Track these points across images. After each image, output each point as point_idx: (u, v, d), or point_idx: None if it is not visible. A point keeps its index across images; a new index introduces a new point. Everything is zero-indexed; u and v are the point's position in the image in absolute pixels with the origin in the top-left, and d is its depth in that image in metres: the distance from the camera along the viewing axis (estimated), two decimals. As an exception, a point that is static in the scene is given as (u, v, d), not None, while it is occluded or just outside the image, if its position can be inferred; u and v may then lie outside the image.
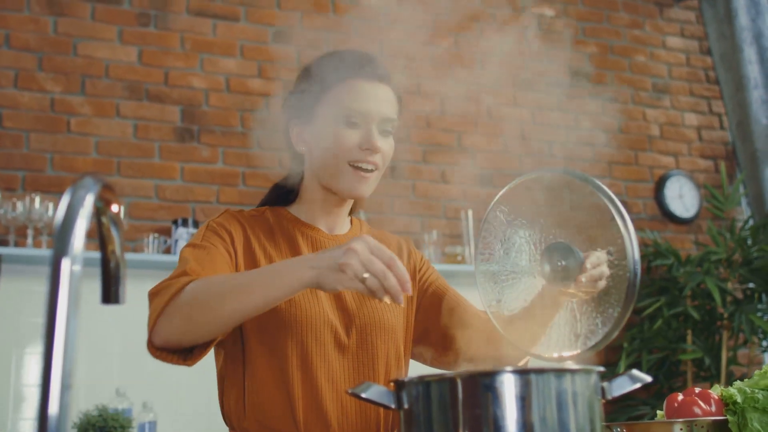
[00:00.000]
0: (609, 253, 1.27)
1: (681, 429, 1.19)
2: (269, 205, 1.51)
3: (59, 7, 3.67)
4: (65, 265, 0.63)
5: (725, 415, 1.24)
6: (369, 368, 1.39)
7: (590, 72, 4.56)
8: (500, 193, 1.35)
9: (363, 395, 1.01)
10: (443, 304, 1.50)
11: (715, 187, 4.59)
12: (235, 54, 3.91)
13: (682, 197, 4.59)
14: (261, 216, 1.46)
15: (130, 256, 3.35)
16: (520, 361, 1.41)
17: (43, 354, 0.62)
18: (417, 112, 4.08)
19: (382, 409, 1.36)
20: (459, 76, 4.08)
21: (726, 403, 1.25)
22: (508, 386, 0.94)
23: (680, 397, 1.30)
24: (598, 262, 1.27)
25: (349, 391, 1.02)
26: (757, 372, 1.29)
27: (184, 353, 1.26)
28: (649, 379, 1.04)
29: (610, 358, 4.03)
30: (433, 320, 1.50)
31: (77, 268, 0.64)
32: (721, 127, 4.86)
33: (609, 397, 1.00)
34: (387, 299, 1.11)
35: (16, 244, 3.28)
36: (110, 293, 0.77)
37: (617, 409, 3.92)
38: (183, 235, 3.44)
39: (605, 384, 1.01)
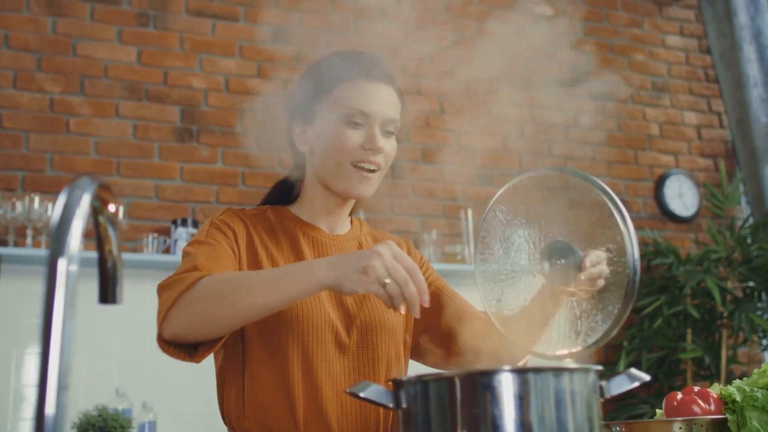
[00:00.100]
0: (608, 250, 1.27)
1: (680, 428, 1.19)
2: (270, 205, 1.51)
3: (58, 8, 3.67)
4: (62, 265, 0.63)
5: (724, 414, 1.24)
6: (369, 368, 1.39)
7: (589, 71, 4.56)
8: (499, 192, 1.35)
9: (361, 395, 1.01)
10: (442, 304, 1.50)
11: (715, 185, 4.59)
12: (234, 54, 3.91)
13: (682, 196, 4.59)
14: (262, 215, 1.47)
15: (129, 256, 3.35)
16: (521, 360, 1.41)
17: (40, 354, 0.62)
18: (417, 112, 4.08)
19: (382, 410, 1.36)
20: (458, 76, 4.08)
21: (725, 402, 1.25)
22: (507, 385, 0.94)
23: (679, 395, 1.30)
24: (597, 261, 1.27)
25: (348, 391, 1.02)
26: (756, 370, 1.29)
27: (189, 349, 1.27)
28: (647, 377, 1.04)
29: (610, 357, 4.04)
30: (432, 320, 1.50)
31: (74, 268, 0.64)
32: (721, 126, 4.86)
33: (607, 396, 1.00)
34: (403, 308, 1.11)
35: (16, 245, 3.29)
36: (108, 293, 0.77)
37: (617, 407, 3.92)
38: (182, 235, 3.44)
39: (603, 383, 1.01)
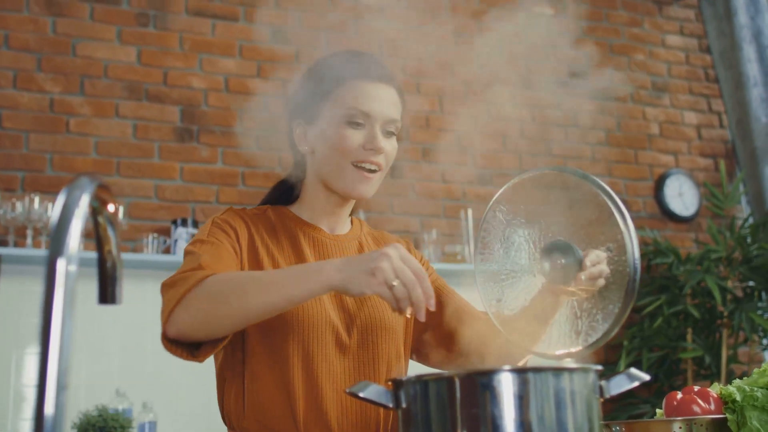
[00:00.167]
0: (608, 249, 1.27)
1: (680, 427, 1.19)
2: (271, 204, 1.51)
3: (58, 8, 3.67)
4: (61, 265, 0.63)
5: (724, 414, 1.23)
6: (370, 368, 1.39)
7: (589, 70, 4.55)
8: (499, 192, 1.35)
9: (361, 394, 1.01)
10: (443, 303, 1.50)
11: (715, 185, 4.59)
12: (234, 54, 3.91)
13: (682, 196, 4.59)
14: (263, 215, 1.47)
15: (129, 256, 3.35)
16: (521, 360, 1.41)
17: (40, 354, 0.62)
18: (417, 112, 4.08)
19: (382, 410, 1.36)
20: (458, 75, 4.08)
21: (725, 402, 1.25)
22: (506, 385, 0.93)
23: (679, 395, 1.30)
24: (597, 260, 1.27)
25: (348, 391, 1.02)
26: (756, 370, 1.29)
27: (192, 348, 1.26)
28: (647, 377, 1.03)
29: (611, 357, 4.04)
30: (433, 320, 1.50)
31: (73, 268, 0.64)
32: (721, 126, 4.86)
33: (607, 395, 1.00)
34: (409, 311, 1.11)
35: (16, 245, 3.29)
36: (107, 293, 0.77)
37: (618, 407, 3.92)
38: (182, 235, 3.44)
39: (603, 383, 1.01)
